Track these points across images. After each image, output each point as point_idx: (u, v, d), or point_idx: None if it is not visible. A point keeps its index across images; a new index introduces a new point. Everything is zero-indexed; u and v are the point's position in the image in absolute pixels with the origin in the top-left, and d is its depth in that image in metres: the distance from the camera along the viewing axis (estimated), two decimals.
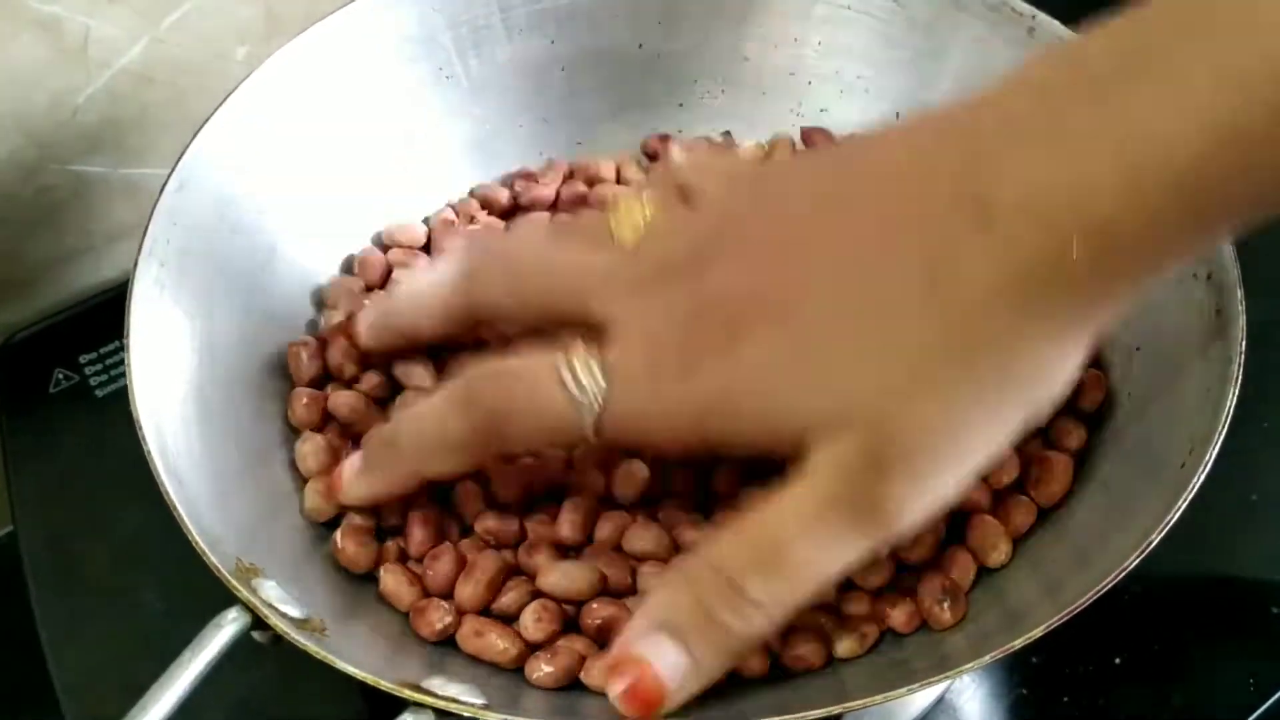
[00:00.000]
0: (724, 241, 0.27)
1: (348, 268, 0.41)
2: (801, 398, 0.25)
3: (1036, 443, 0.34)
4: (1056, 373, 0.25)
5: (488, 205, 0.42)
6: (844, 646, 0.31)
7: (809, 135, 0.42)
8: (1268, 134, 0.21)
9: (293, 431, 0.36)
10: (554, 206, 0.41)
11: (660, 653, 0.26)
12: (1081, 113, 0.22)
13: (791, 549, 0.25)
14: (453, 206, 0.43)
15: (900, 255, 0.24)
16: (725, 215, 0.28)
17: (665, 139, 0.43)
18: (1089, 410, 0.34)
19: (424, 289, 0.34)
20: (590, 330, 0.28)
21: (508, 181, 0.43)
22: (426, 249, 0.41)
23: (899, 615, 0.31)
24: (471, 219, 0.42)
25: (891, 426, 0.25)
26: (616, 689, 0.26)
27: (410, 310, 0.34)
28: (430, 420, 0.30)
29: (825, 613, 0.31)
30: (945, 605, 0.30)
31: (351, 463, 0.33)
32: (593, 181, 0.42)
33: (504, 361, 0.29)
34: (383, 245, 0.41)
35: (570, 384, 0.27)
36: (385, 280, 0.40)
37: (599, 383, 0.27)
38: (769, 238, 0.27)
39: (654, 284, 0.27)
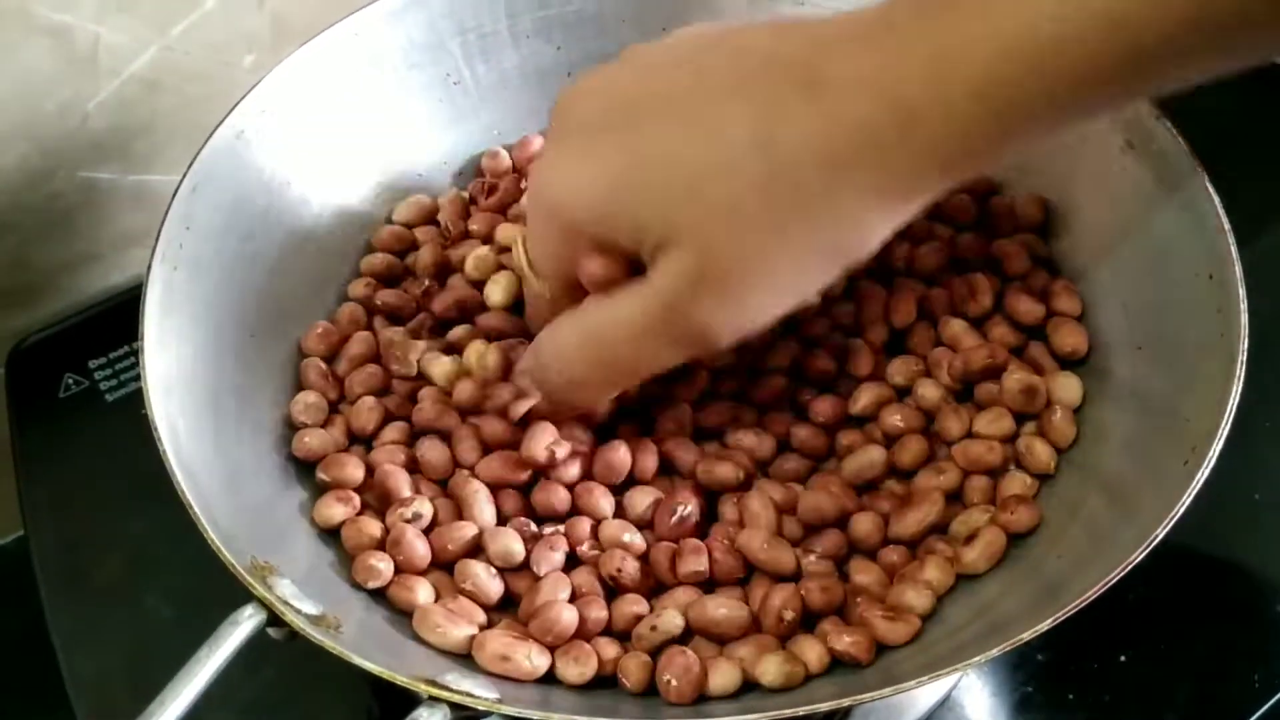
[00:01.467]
0: (593, 82, 0.32)
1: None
2: (643, 209, 0.29)
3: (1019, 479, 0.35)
4: (864, 236, 0.29)
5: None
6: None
7: None
8: (1053, 47, 0.25)
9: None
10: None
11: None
12: (908, 27, 0.27)
13: (613, 348, 0.32)
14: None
15: (738, 106, 0.28)
16: (600, 72, 0.33)
17: None
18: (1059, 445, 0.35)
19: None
20: None
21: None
22: (434, 222, 0.42)
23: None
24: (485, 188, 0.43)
25: (713, 250, 0.29)
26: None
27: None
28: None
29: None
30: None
31: None
32: None
33: None
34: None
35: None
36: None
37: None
38: (627, 80, 0.31)
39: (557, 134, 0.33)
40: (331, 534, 0.35)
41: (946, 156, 0.28)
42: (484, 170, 0.43)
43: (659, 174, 0.29)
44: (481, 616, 0.33)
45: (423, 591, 0.33)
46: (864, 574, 0.33)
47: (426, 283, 0.40)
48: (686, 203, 0.29)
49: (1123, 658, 0.40)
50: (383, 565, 0.33)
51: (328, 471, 0.35)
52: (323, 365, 0.38)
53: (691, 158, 0.29)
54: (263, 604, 0.28)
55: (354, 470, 0.35)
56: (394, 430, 0.37)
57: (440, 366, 0.37)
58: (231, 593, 0.29)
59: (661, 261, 0.29)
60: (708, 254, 0.29)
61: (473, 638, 0.31)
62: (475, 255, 0.40)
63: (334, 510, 0.34)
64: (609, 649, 0.32)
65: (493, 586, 0.33)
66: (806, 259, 0.29)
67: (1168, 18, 0.24)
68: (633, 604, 0.33)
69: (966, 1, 0.26)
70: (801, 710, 0.26)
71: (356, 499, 0.35)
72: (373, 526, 0.34)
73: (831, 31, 0.28)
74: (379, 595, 0.34)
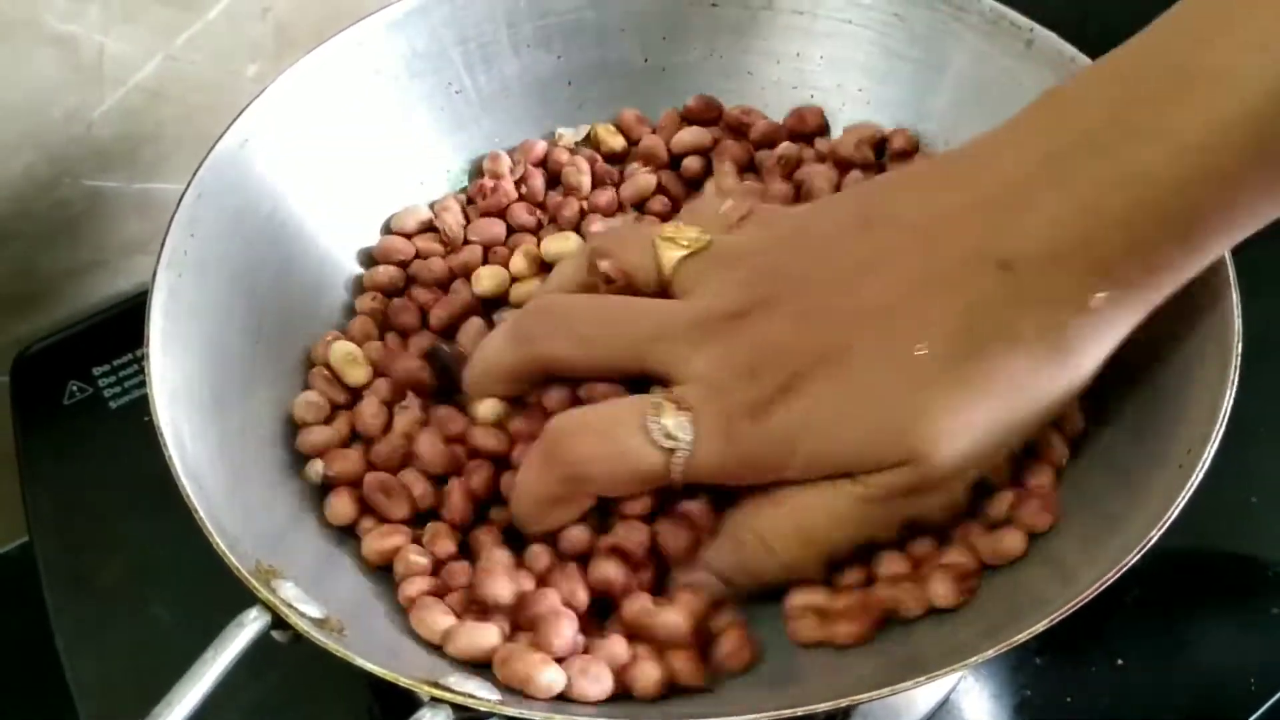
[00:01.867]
0: (772, 295, 0.31)
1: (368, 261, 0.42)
2: (855, 443, 0.29)
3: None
4: (1074, 378, 0.30)
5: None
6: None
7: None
8: (1241, 172, 0.26)
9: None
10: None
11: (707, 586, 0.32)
12: (1083, 166, 0.27)
13: (824, 535, 0.31)
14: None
15: (934, 310, 0.29)
16: (771, 268, 0.32)
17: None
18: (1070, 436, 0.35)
19: (489, 359, 0.35)
20: (660, 379, 0.32)
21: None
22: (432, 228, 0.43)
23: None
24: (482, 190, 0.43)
25: (939, 465, 0.29)
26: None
27: (479, 381, 0.36)
28: (522, 484, 0.33)
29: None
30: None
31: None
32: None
33: (585, 414, 0.32)
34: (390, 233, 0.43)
35: (661, 439, 0.30)
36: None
37: (688, 436, 0.30)
38: (814, 296, 0.30)
39: (713, 335, 0.31)
40: (336, 536, 0.35)
41: (1155, 291, 0.29)
42: (484, 171, 0.44)
43: (857, 407, 0.29)
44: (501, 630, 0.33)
45: (443, 616, 0.33)
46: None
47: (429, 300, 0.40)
48: (895, 428, 0.29)
49: (1120, 660, 0.41)
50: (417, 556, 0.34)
51: (332, 466, 0.35)
52: (329, 373, 0.38)
53: (895, 378, 0.29)
54: (267, 607, 0.29)
55: (356, 465, 0.35)
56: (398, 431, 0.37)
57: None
58: (233, 596, 0.29)
59: (880, 473, 0.30)
60: (931, 467, 0.29)
61: (494, 649, 0.31)
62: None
63: (346, 508, 0.35)
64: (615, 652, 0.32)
65: (501, 591, 0.33)
66: (1020, 425, 0.30)
67: None
68: (638, 605, 0.33)
69: (1143, 121, 0.26)
70: (800, 711, 0.26)
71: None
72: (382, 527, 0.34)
73: (999, 184, 0.29)
74: (383, 598, 0.34)
